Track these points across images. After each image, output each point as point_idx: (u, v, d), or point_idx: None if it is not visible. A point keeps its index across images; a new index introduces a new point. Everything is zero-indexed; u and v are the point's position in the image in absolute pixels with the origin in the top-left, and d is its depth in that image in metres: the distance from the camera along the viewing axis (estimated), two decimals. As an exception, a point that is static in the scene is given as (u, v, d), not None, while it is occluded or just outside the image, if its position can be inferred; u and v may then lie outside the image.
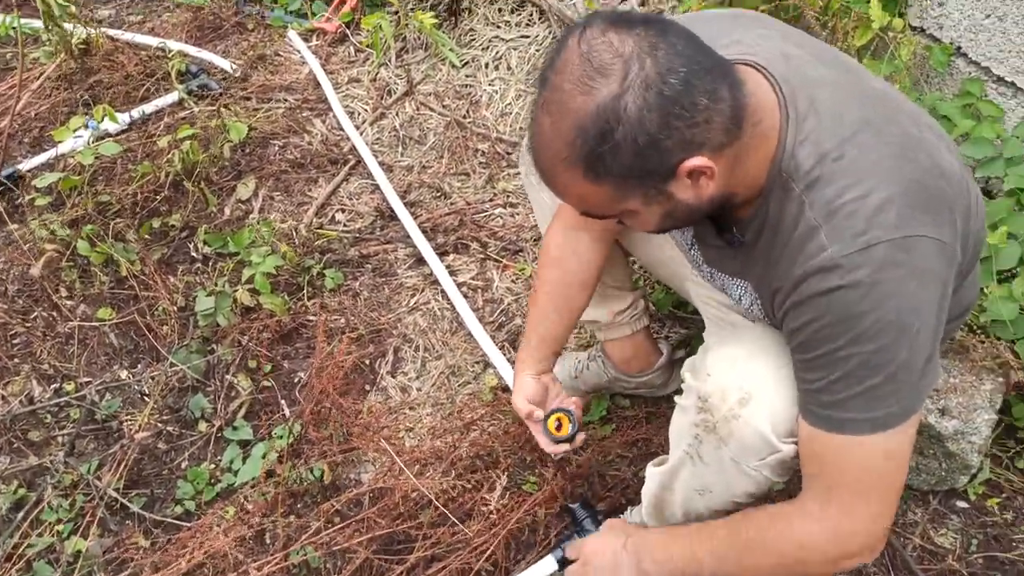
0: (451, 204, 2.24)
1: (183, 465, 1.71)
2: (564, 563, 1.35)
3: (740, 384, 1.00)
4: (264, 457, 1.67)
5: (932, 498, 1.55)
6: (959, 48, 1.80)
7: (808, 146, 0.91)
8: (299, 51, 2.76)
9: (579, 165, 0.87)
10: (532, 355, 1.36)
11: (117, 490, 1.62)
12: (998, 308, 1.46)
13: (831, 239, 0.87)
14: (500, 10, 2.70)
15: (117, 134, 2.40)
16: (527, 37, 2.62)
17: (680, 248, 1.24)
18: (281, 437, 1.69)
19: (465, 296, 2.00)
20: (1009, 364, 1.46)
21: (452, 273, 2.06)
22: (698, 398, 1.04)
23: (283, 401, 1.81)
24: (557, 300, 1.35)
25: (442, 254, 2.10)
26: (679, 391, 1.12)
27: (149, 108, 2.48)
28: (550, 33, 2.58)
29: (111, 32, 2.66)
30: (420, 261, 2.10)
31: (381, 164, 2.36)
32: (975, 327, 1.50)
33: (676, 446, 1.11)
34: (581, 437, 1.32)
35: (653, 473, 1.24)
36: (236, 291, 1.91)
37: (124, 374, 1.87)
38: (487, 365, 1.86)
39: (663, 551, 1.15)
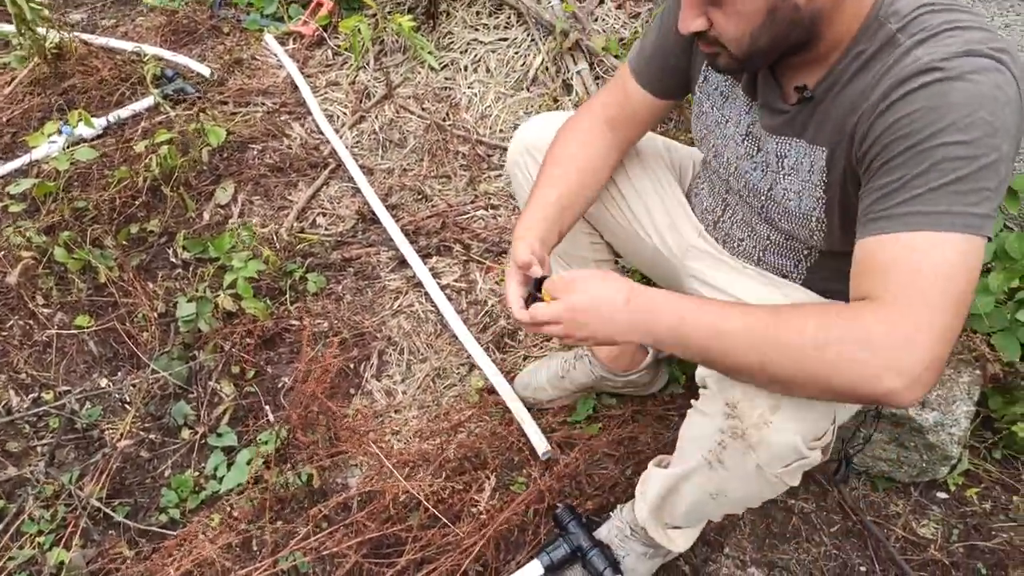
0: (433, 207, 2.24)
1: (166, 473, 1.69)
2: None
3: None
4: (249, 463, 1.65)
5: (913, 490, 1.58)
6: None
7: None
8: (276, 55, 2.75)
9: None
10: (533, 228, 1.21)
11: (100, 500, 1.60)
12: (974, 302, 1.49)
13: (927, 52, 0.86)
14: (478, 13, 2.71)
15: (92, 139, 2.37)
16: (505, 40, 2.63)
17: (735, 127, 1.18)
18: (266, 443, 1.68)
19: (449, 298, 2.00)
20: (985, 356, 1.50)
21: (436, 275, 2.05)
22: (725, 404, 1.02)
23: (267, 407, 1.80)
24: (562, 187, 1.25)
25: (425, 256, 2.10)
26: (695, 395, 1.11)
27: (125, 113, 2.45)
28: (528, 36, 2.59)
29: (84, 37, 2.63)
30: (403, 264, 2.10)
31: (362, 167, 2.35)
32: (952, 321, 1.53)
33: (693, 451, 1.10)
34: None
35: (659, 475, 1.23)
36: (218, 296, 1.89)
37: (104, 382, 1.84)
38: (472, 367, 1.86)
39: (680, 316, 0.98)
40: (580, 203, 1.29)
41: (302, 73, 2.66)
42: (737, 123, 1.17)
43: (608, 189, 1.42)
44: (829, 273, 1.17)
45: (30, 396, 1.82)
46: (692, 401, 1.12)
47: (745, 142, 1.16)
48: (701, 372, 1.09)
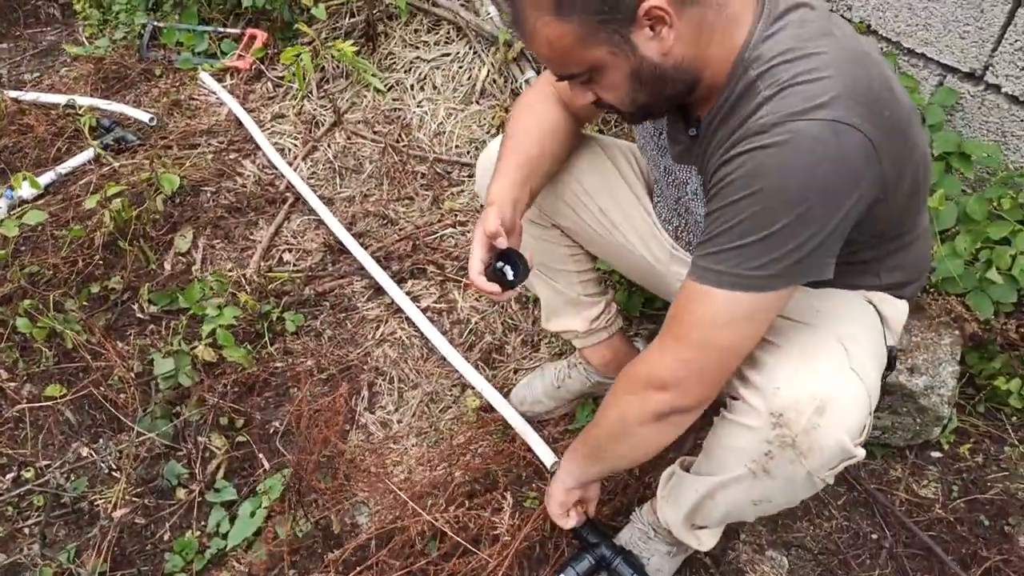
0: (400, 230, 2.22)
1: (166, 537, 1.64)
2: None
3: (813, 393, 1.00)
4: (254, 515, 1.61)
5: (909, 452, 1.64)
6: (869, 26, 1.90)
7: (772, 42, 0.95)
8: (215, 92, 2.68)
9: (548, 1, 0.92)
10: (504, 192, 1.22)
11: (102, 574, 1.54)
12: (945, 265, 1.56)
13: (771, 110, 0.92)
14: (416, 31, 2.70)
15: (34, 200, 2.27)
16: (448, 55, 2.62)
17: (651, 164, 1.29)
18: (267, 492, 1.64)
19: (431, 320, 1.99)
20: (963, 317, 1.56)
21: (414, 299, 2.04)
22: (770, 414, 1.02)
23: (261, 454, 1.75)
24: (523, 153, 1.28)
25: (400, 281, 2.09)
26: (723, 404, 1.12)
27: (64, 169, 2.36)
28: (470, 49, 2.59)
29: (14, 94, 2.52)
30: (379, 291, 2.07)
31: (321, 197, 2.32)
32: (929, 287, 1.59)
33: (732, 461, 1.10)
34: (509, 295, 1.22)
35: (692, 482, 1.23)
36: (195, 348, 1.84)
37: (86, 451, 1.77)
38: (464, 387, 1.85)
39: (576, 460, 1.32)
40: (546, 164, 1.31)
41: (244, 108, 2.61)
42: (659, 137, 1.23)
43: (583, 200, 1.43)
44: None
45: (8, 476, 1.73)
46: (721, 410, 1.13)
47: (665, 158, 1.23)
48: (730, 384, 1.10)
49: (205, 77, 2.72)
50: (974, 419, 1.66)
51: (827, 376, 1.02)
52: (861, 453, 1.03)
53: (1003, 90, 1.66)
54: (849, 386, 1.02)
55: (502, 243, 1.16)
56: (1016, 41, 1.59)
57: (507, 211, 1.19)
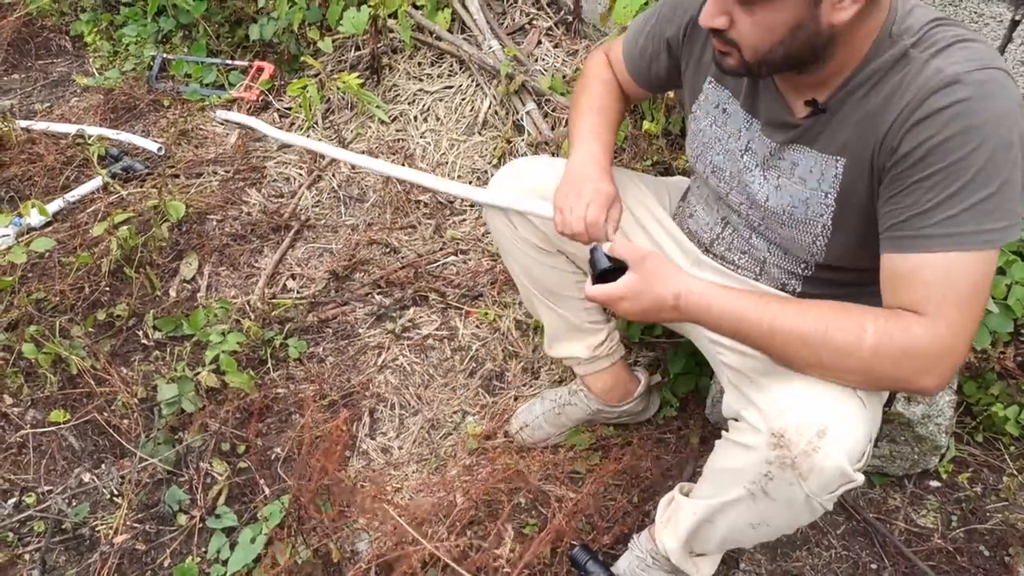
0: (402, 258, 2.25)
1: (167, 563, 1.64)
2: None
3: (815, 415, 1.01)
4: (254, 541, 1.62)
5: (908, 482, 1.64)
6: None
7: (916, 16, 1.00)
8: (225, 121, 2.72)
9: None
10: (600, 158, 1.30)
11: (102, 601, 1.54)
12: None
13: (947, 63, 0.95)
14: (420, 64, 2.75)
15: (42, 227, 2.30)
16: (451, 87, 2.67)
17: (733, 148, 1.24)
18: (267, 519, 1.64)
19: (432, 348, 2.01)
20: (959, 346, 1.57)
21: (415, 327, 2.06)
22: (771, 435, 1.03)
23: (263, 480, 1.76)
24: (605, 113, 1.38)
25: (402, 308, 2.11)
26: (716, 432, 1.13)
27: (73, 197, 2.40)
28: (473, 81, 2.64)
29: (24, 124, 2.57)
30: (380, 318, 2.09)
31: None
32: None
33: (731, 483, 1.11)
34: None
35: (690, 505, 1.23)
36: (198, 374, 1.86)
37: (88, 477, 1.78)
38: (465, 414, 1.87)
39: (737, 317, 1.07)
40: (617, 125, 1.41)
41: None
42: (738, 138, 1.21)
43: None
44: (823, 287, 1.22)
45: (10, 502, 1.74)
46: (723, 433, 1.13)
47: (745, 156, 1.20)
48: (732, 407, 1.11)
49: (224, 113, 2.73)
50: (972, 448, 1.67)
51: (831, 400, 1.03)
52: (860, 479, 1.04)
53: (995, 123, 1.69)
54: (852, 411, 1.03)
55: (607, 246, 1.19)
56: (1006, 76, 1.63)
57: (610, 174, 1.29)
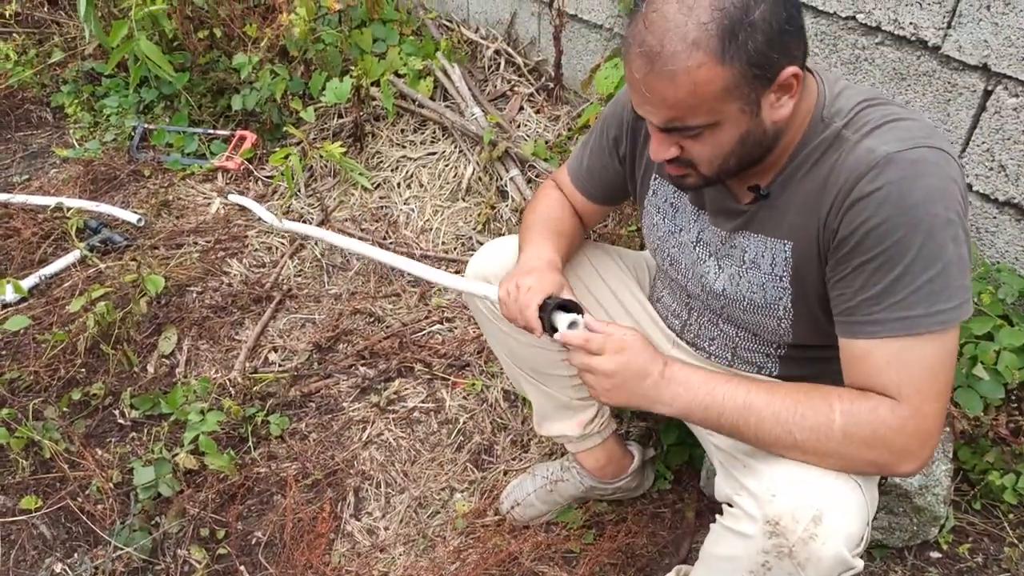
0: (387, 328, 2.22)
1: (141, 660, 1.56)
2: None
3: (810, 500, 0.98)
4: (234, 635, 1.54)
5: (908, 553, 1.60)
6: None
7: (845, 98, 1.02)
8: (250, 208, 2.65)
9: (714, 43, 0.90)
10: (547, 253, 1.30)
11: None
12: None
13: (879, 143, 0.96)
14: (403, 131, 2.76)
15: (17, 303, 2.25)
16: (434, 154, 2.68)
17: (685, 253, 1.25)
18: (249, 608, 1.57)
19: (418, 421, 1.96)
20: (952, 414, 1.56)
21: (400, 399, 2.02)
22: (766, 522, 1.00)
23: (243, 567, 1.69)
24: (554, 222, 1.38)
25: (387, 380, 2.07)
26: (713, 505, 1.10)
27: (48, 271, 2.35)
28: (456, 148, 2.65)
29: (2, 197, 2.54)
30: (364, 391, 2.05)
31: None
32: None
33: (730, 573, 1.07)
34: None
35: None
36: (176, 455, 1.80)
37: (59, 567, 1.70)
38: (453, 490, 1.82)
39: (702, 389, 1.06)
40: (573, 245, 1.41)
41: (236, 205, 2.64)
42: (689, 230, 1.23)
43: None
44: (802, 365, 1.21)
45: (-24, 597, 1.66)
46: (717, 517, 1.10)
47: (697, 248, 1.22)
48: (723, 491, 1.08)
49: (236, 197, 2.67)
50: (971, 517, 1.64)
51: (824, 483, 1.00)
52: (859, 565, 1.01)
53: (974, 188, 1.71)
54: (847, 493, 1.00)
55: (565, 293, 1.20)
56: (983, 143, 1.65)
57: (559, 264, 1.27)
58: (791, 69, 0.94)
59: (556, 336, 1.15)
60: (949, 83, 1.65)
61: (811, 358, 1.20)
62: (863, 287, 0.97)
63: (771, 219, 1.09)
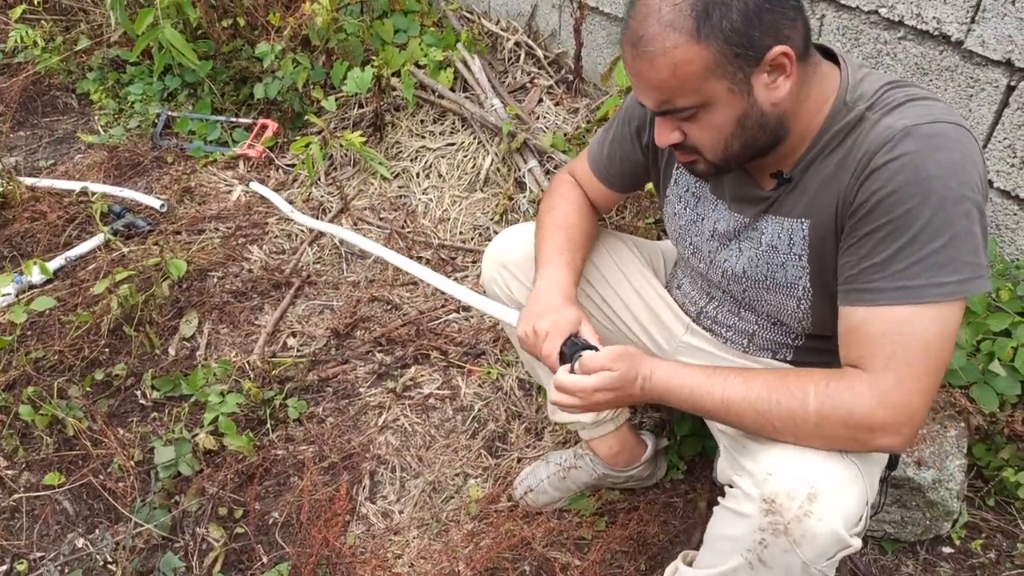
0: (404, 315, 2.24)
1: (160, 634, 1.59)
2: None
3: (805, 479, 0.99)
4: (251, 612, 1.57)
5: (920, 548, 1.60)
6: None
7: (869, 82, 1.02)
8: (268, 198, 2.70)
9: (688, 23, 0.93)
10: (564, 284, 1.30)
11: (92, 676, 1.49)
12: (948, 358, 1.56)
13: (898, 119, 0.96)
14: (422, 121, 2.78)
15: (43, 285, 2.30)
16: (453, 144, 2.70)
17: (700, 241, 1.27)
18: (265, 586, 1.60)
19: (434, 407, 1.98)
20: (967, 409, 1.56)
21: (416, 385, 2.04)
22: (763, 500, 1.01)
23: (259, 546, 1.72)
24: (570, 231, 1.38)
25: (403, 367, 2.09)
26: (722, 495, 1.11)
27: (74, 254, 2.40)
28: (475, 139, 2.67)
29: (29, 181, 2.58)
30: (381, 377, 2.08)
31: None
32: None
33: (729, 552, 1.08)
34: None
35: (692, 575, 1.20)
36: (196, 436, 1.83)
37: (81, 542, 1.74)
38: (468, 476, 1.83)
39: (690, 392, 1.10)
40: (588, 246, 1.43)
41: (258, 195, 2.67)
42: (710, 219, 1.24)
43: (585, 291, 1.46)
44: (815, 355, 1.22)
45: (1, 569, 1.69)
46: (719, 499, 1.12)
47: (719, 236, 1.23)
48: (726, 473, 1.10)
49: (256, 186, 2.72)
50: (984, 513, 1.64)
51: (820, 462, 1.01)
52: (857, 543, 1.01)
53: (995, 185, 1.71)
54: (843, 471, 1.01)
55: (588, 335, 1.23)
56: (1005, 139, 1.64)
57: (573, 299, 1.28)
58: (779, 48, 0.95)
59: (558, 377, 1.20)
60: (972, 78, 1.64)
61: (825, 349, 1.20)
62: (868, 255, 0.98)
63: (790, 201, 1.10)
